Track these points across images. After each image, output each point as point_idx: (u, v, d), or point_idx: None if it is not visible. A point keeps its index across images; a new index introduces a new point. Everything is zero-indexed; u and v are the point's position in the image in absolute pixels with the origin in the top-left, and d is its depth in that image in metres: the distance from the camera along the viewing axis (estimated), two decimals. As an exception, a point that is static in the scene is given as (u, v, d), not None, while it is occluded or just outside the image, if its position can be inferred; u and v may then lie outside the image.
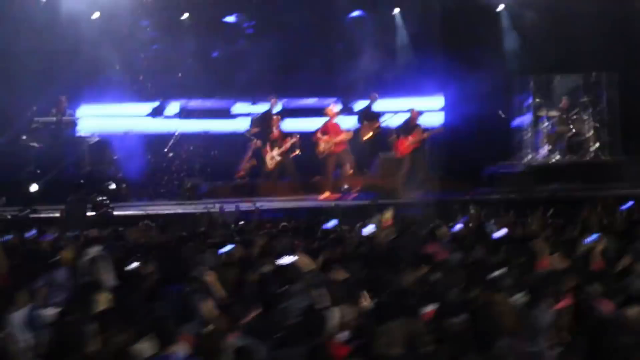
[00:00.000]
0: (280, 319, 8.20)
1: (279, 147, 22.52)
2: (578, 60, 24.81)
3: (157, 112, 24.04)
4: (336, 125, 22.33)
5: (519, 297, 8.89)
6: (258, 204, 19.06)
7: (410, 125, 22.23)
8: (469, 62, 24.37)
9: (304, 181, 23.18)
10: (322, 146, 22.26)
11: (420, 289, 9.19)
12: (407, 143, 22.13)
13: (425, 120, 23.30)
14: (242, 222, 16.14)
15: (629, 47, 24.84)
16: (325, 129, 22.29)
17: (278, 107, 23.60)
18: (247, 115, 24.20)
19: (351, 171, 22.66)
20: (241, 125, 23.96)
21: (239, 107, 24.55)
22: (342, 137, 22.22)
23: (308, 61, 24.03)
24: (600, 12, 24.48)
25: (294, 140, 22.76)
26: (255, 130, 23.22)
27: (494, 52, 24.98)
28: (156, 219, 16.79)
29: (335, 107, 22.74)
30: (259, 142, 23.07)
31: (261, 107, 23.81)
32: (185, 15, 24.15)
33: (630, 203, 15.93)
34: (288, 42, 24.18)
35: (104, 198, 19.48)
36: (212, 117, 24.38)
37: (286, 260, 10.57)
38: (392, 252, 11.57)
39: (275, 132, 22.58)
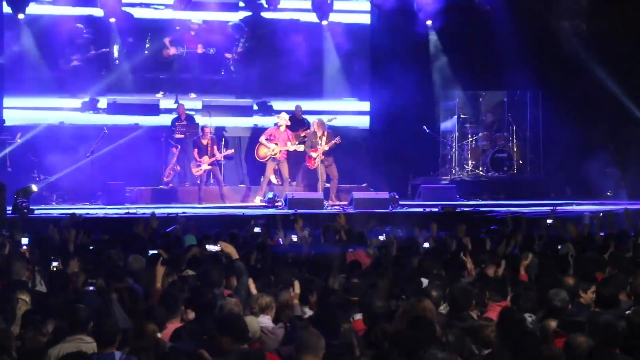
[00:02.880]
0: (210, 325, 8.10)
1: (209, 156, 22.35)
2: (503, 78, 25.08)
3: (86, 107, 23.87)
4: (283, 134, 22.31)
5: (443, 308, 8.94)
6: (181, 211, 19.14)
7: (315, 138, 22.21)
8: (396, 72, 24.57)
9: (229, 187, 23.12)
10: (265, 151, 22.28)
11: (347, 296, 9.18)
12: (314, 156, 22.17)
13: (349, 122, 23.68)
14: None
15: (552, 67, 25.19)
16: (271, 136, 22.29)
17: (198, 105, 23.51)
18: (173, 111, 24.00)
19: (278, 181, 22.70)
20: (167, 121, 23.74)
21: (164, 104, 24.42)
22: (290, 147, 22.22)
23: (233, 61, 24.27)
24: (526, 33, 24.79)
25: (229, 152, 22.70)
26: (180, 135, 23.01)
27: (422, 65, 25.16)
28: (80, 221, 16.55)
29: (285, 115, 22.72)
30: (184, 148, 22.92)
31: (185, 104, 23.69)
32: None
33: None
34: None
35: (25, 199, 19.16)
36: (140, 113, 24.22)
37: (212, 247, 10.60)
38: (319, 259, 11.54)
39: (205, 140, 22.41)
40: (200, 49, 24.25)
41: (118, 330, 7.53)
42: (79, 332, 7.75)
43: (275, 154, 22.25)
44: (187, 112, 23.47)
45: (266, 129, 23.10)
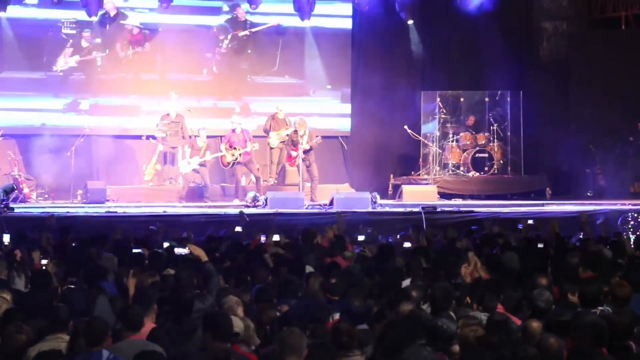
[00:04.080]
0: (188, 326, 8.09)
1: (200, 157, 22.30)
2: (484, 78, 25.15)
3: (68, 109, 23.82)
4: (240, 136, 22.27)
5: (425, 307, 8.95)
6: (162, 210, 19.18)
7: (296, 136, 22.23)
8: (377, 73, 24.64)
9: (214, 188, 23.10)
10: (227, 159, 22.26)
11: (325, 296, 9.20)
12: (294, 155, 22.20)
13: (330, 124, 24.08)
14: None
15: (533, 67, 25.28)
16: (228, 141, 22.26)
17: (179, 105, 23.52)
18: (155, 113, 23.98)
19: (255, 181, 22.68)
20: (149, 122, 23.69)
21: (147, 106, 24.36)
22: (248, 148, 22.20)
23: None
24: (507, 33, 24.87)
25: (219, 155, 22.60)
26: (161, 134, 22.97)
27: (403, 65, 25.22)
28: (59, 220, 16.53)
29: (237, 118, 22.75)
30: (165, 147, 22.89)
31: (166, 106, 23.52)
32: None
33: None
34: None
35: (5, 198, 19.09)
36: (122, 115, 24.14)
37: (181, 250, 10.62)
38: (297, 260, 11.53)
39: (201, 143, 22.36)
40: (139, 48, 24.21)
41: (107, 329, 7.49)
42: (58, 331, 7.73)
43: (237, 158, 22.22)
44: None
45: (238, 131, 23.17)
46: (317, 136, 22.24)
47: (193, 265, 10.26)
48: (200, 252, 10.11)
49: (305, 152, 22.10)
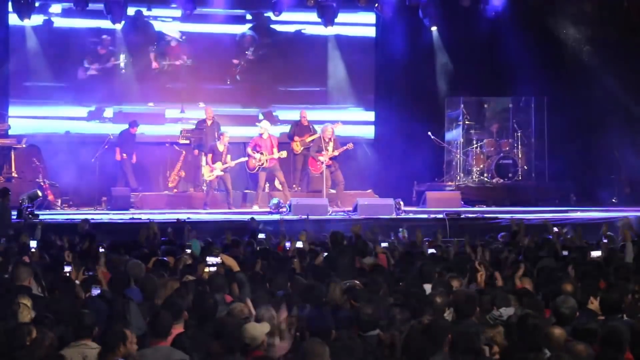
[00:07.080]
0: (211, 332, 8.09)
1: (223, 162, 22.29)
2: (508, 84, 25.08)
3: (92, 116, 23.96)
4: (267, 141, 22.30)
5: (447, 314, 8.94)
6: (186, 217, 19.19)
7: (321, 143, 22.27)
8: (401, 80, 24.63)
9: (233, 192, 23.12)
10: (253, 162, 22.28)
11: (350, 303, 9.18)
12: (322, 160, 22.21)
13: (354, 132, 24.16)
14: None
15: (557, 73, 25.17)
16: (256, 146, 22.27)
17: (203, 114, 23.61)
18: (178, 121, 24.13)
19: (281, 187, 22.69)
20: (172, 130, 23.82)
21: (170, 113, 24.48)
22: (274, 154, 22.21)
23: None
24: (532, 39, 24.78)
25: (243, 160, 22.56)
26: (185, 141, 23.10)
27: (427, 72, 25.19)
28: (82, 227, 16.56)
29: (266, 123, 22.78)
30: (189, 153, 23.01)
31: (190, 114, 23.68)
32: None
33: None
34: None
35: (30, 205, 19.17)
36: (146, 122, 24.22)
37: (213, 260, 10.68)
38: (323, 266, 11.53)
39: (222, 146, 22.35)
40: (179, 61, 24.33)
41: (121, 336, 7.46)
42: (83, 338, 7.74)
43: (263, 164, 22.23)
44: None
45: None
46: (345, 143, 22.31)
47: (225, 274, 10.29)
48: (232, 262, 10.15)
49: (331, 158, 22.16)
